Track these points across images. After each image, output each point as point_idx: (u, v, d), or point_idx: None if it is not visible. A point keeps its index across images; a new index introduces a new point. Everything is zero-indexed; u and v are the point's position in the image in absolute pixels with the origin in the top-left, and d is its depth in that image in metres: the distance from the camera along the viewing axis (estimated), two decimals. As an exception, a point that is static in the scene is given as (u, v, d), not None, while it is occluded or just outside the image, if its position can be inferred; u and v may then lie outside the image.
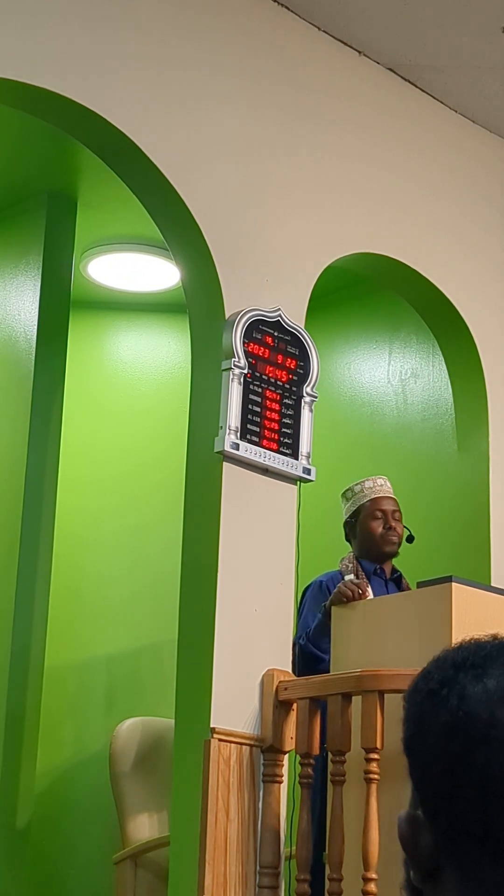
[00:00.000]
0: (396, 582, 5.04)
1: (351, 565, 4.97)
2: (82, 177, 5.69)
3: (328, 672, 4.57)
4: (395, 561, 5.08)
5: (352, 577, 4.80)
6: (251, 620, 4.54)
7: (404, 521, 5.08)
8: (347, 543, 5.13)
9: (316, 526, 5.12)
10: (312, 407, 4.86)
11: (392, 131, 5.53)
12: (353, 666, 4.36)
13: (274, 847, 4.38)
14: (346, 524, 5.14)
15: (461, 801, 1.11)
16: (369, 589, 4.73)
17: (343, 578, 4.91)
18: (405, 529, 5.07)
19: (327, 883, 4.16)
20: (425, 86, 5.63)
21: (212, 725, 4.34)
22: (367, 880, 4.04)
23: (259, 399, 4.68)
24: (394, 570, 5.07)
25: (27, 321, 5.69)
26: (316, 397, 4.88)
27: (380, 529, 5.01)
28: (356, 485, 5.12)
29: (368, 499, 5.07)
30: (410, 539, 5.07)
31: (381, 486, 5.12)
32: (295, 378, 4.83)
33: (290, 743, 4.43)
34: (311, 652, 4.78)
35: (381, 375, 6.24)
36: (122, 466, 6.39)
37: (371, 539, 5.01)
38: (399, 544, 5.03)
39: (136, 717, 5.68)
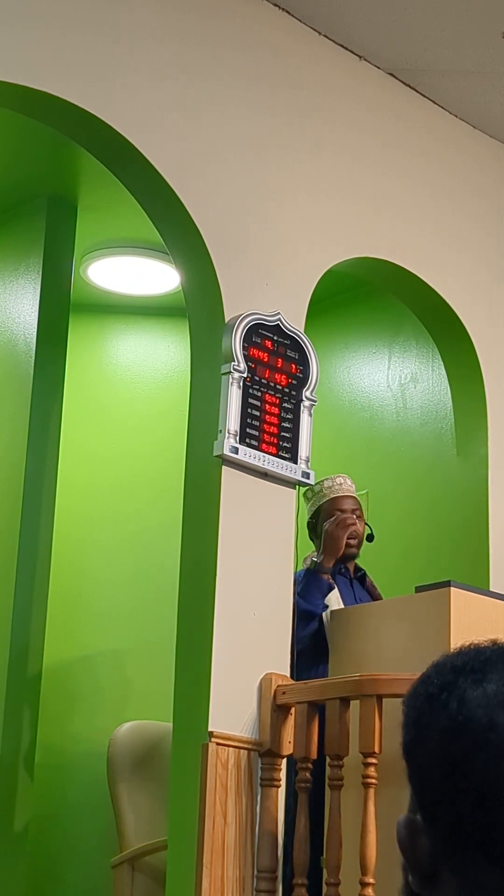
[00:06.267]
0: (360, 580, 5.00)
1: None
2: (82, 180, 5.70)
3: (320, 630, 4.60)
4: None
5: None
6: (250, 624, 4.54)
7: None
8: (311, 542, 5.07)
9: (315, 530, 5.11)
10: (312, 411, 4.85)
11: (392, 136, 5.53)
12: (351, 670, 4.36)
13: (272, 851, 4.37)
14: (307, 524, 5.09)
15: (460, 806, 1.11)
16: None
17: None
18: (367, 527, 5.03)
19: (325, 887, 4.16)
20: (425, 90, 5.63)
21: (210, 729, 4.34)
22: (364, 885, 4.04)
23: (258, 403, 4.68)
24: (357, 569, 5.02)
25: (27, 324, 5.69)
26: (315, 401, 4.87)
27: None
28: (316, 484, 5.01)
29: (327, 499, 5.03)
30: (370, 538, 5.03)
31: (341, 484, 5.06)
32: (294, 382, 4.82)
33: (288, 747, 4.43)
34: (304, 609, 4.74)
35: (380, 380, 6.24)
36: (121, 469, 6.39)
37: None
38: (359, 545, 4.97)
39: (133, 720, 5.68)
